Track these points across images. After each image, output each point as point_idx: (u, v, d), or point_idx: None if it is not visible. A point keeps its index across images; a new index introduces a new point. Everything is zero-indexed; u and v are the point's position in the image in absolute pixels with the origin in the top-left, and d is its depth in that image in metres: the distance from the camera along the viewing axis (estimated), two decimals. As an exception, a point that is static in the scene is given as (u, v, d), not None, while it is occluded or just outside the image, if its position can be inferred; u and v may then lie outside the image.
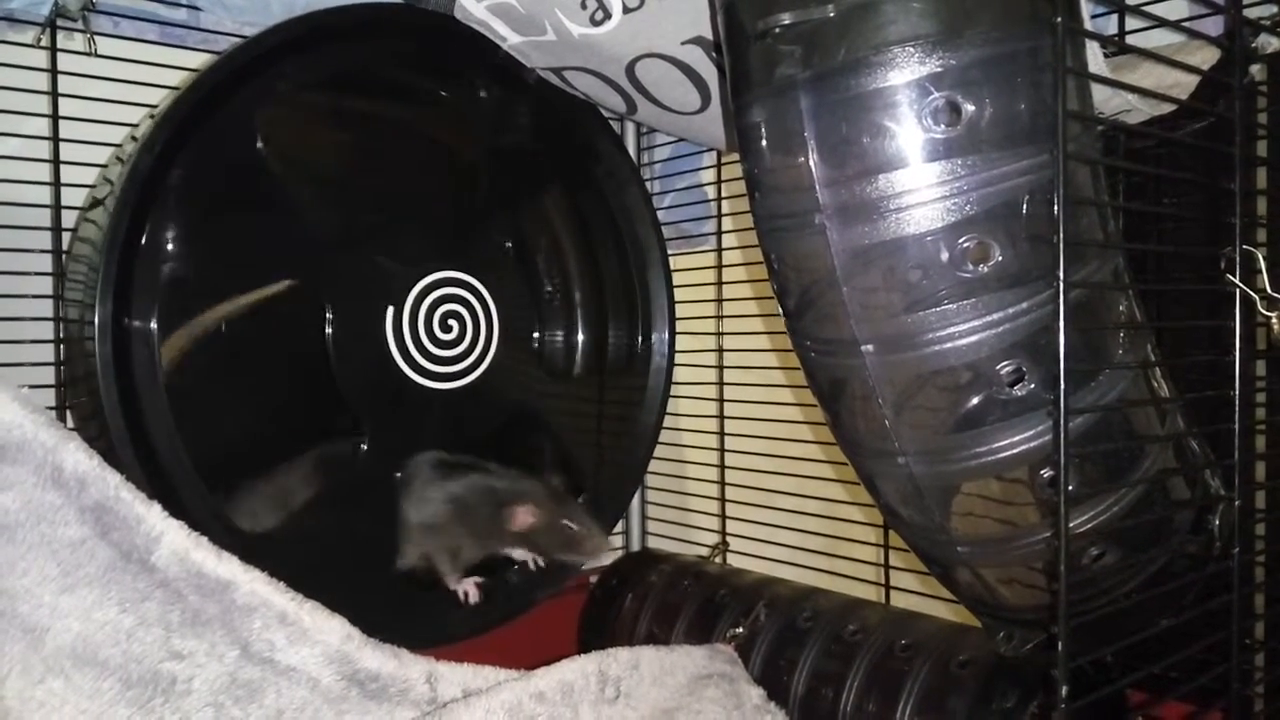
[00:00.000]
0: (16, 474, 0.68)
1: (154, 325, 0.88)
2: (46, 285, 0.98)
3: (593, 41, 0.97)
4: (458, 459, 1.06)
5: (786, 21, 0.63)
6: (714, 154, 1.27)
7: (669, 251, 1.25)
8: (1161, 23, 0.77)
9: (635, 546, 1.36)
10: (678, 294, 1.25)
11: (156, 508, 0.72)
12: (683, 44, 0.97)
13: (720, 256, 1.27)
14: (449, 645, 1.00)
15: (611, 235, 1.23)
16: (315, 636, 0.73)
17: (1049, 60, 0.59)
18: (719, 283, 1.27)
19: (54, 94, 0.97)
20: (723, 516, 1.27)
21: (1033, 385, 0.63)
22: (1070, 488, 0.58)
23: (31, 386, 0.93)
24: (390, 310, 1.04)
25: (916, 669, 0.85)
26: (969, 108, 0.60)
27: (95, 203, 0.90)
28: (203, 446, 0.91)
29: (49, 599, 0.68)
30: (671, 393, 1.25)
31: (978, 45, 0.60)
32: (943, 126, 0.61)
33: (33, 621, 0.67)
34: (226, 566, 0.72)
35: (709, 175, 1.31)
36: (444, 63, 1.08)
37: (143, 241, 0.87)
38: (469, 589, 1.03)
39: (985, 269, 0.62)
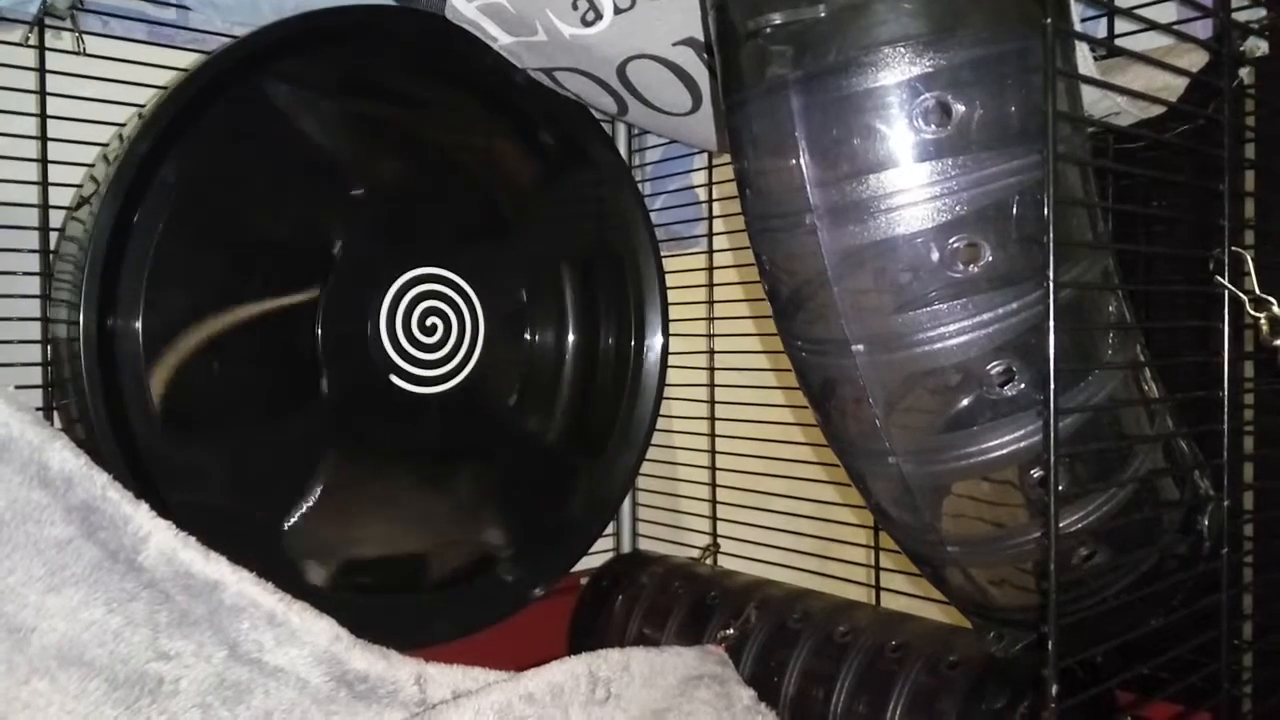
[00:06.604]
0: (1, 472, 0.68)
1: (139, 326, 0.87)
2: (34, 285, 0.97)
3: (584, 42, 0.97)
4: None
5: (777, 21, 0.63)
6: (706, 155, 1.27)
7: (661, 253, 1.25)
8: (1151, 25, 0.77)
9: (626, 548, 1.35)
10: (669, 295, 1.25)
11: (144, 507, 0.71)
12: (674, 45, 0.97)
13: (711, 258, 1.27)
14: (438, 646, 1.00)
15: (603, 237, 1.23)
16: (304, 637, 0.73)
17: (1039, 61, 0.59)
18: (710, 284, 1.27)
19: (42, 93, 0.96)
20: (714, 518, 1.27)
21: (1023, 385, 0.63)
22: (1060, 488, 0.58)
23: (19, 387, 0.93)
24: (376, 311, 1.04)
25: (907, 670, 0.85)
26: (959, 108, 0.60)
27: (82, 202, 0.89)
28: (190, 450, 0.90)
29: (34, 599, 0.67)
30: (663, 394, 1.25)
31: (968, 46, 0.60)
32: (933, 127, 0.61)
33: (18, 621, 0.67)
34: (214, 567, 0.72)
35: (700, 177, 1.30)
36: (436, 63, 1.08)
37: (129, 241, 0.87)
38: None
39: (975, 269, 0.62)
